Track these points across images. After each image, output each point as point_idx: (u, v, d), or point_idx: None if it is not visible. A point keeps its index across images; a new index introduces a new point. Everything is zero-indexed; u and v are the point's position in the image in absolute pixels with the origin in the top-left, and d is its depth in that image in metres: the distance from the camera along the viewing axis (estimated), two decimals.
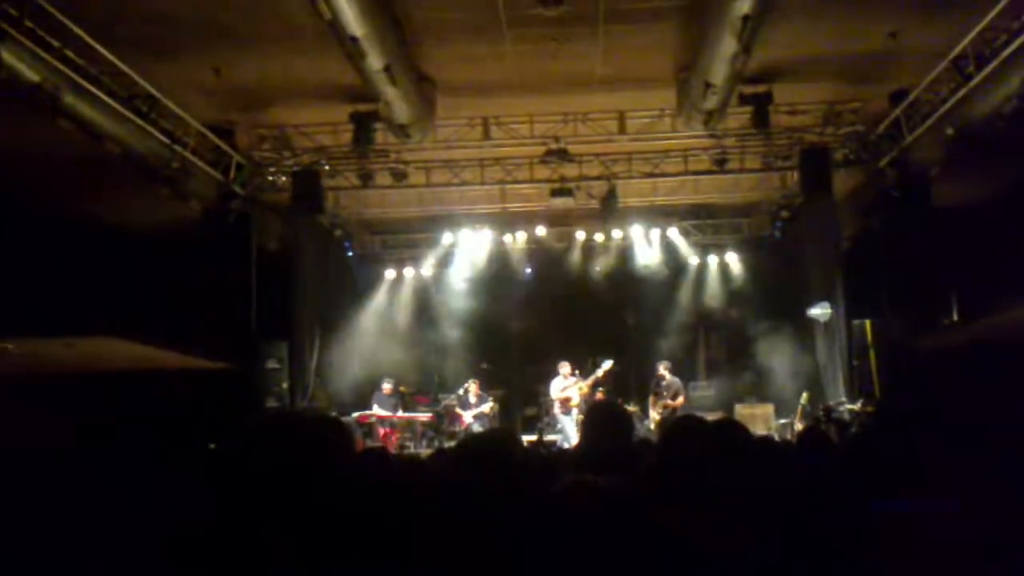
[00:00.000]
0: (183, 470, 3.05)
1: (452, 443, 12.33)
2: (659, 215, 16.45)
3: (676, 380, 14.12)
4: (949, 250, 12.04)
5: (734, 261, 17.28)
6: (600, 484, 1.95)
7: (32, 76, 8.19)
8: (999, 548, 2.35)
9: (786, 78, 11.55)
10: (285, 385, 13.70)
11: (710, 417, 4.20)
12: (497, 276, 17.26)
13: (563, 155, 13.06)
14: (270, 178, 13.44)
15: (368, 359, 16.04)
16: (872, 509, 2.57)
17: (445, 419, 14.98)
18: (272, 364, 13.63)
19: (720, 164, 13.65)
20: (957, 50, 9.88)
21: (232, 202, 12.77)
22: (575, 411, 13.56)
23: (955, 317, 12.56)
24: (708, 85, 10.38)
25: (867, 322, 13.23)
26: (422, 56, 10.83)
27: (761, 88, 11.57)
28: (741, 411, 14.72)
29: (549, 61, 10.96)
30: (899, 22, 10.00)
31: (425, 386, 16.00)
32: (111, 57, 9.50)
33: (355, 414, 14.06)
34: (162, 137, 10.80)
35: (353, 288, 17.14)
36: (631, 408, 13.82)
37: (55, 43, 8.63)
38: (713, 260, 17.44)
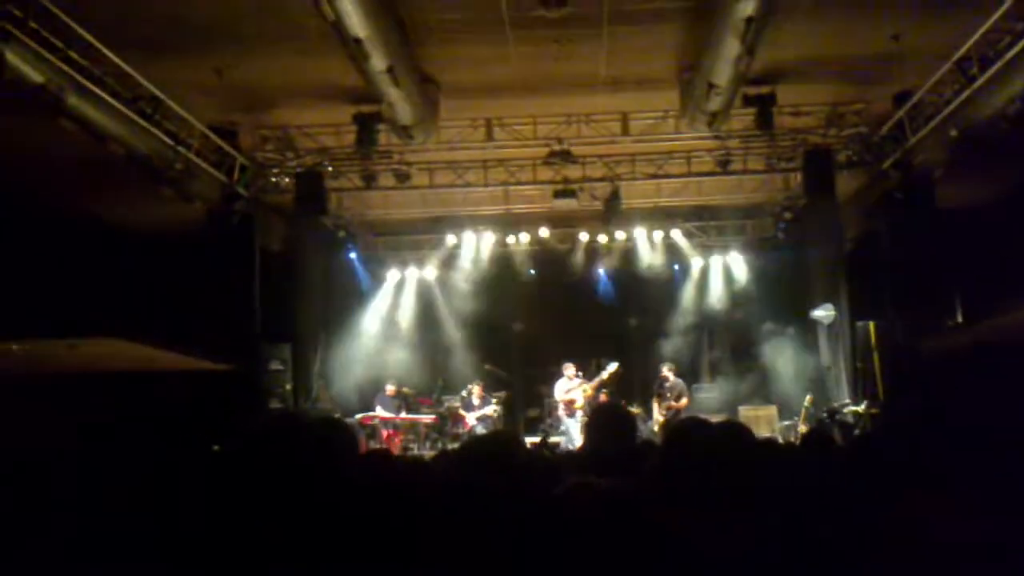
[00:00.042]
0: (186, 471, 3.05)
1: (455, 445, 12.33)
2: (662, 216, 16.44)
3: (680, 381, 14.12)
4: (953, 252, 12.03)
5: (737, 263, 17.24)
6: (602, 485, 1.95)
7: (36, 77, 8.20)
8: (1004, 550, 2.34)
9: (790, 79, 11.54)
10: (288, 387, 13.70)
11: (714, 419, 4.20)
12: (500, 278, 17.25)
13: (566, 156, 13.06)
14: (273, 179, 13.45)
15: (371, 361, 16.05)
16: (876, 511, 2.57)
17: (448, 421, 14.99)
18: (275, 366, 13.63)
19: (723, 165, 13.63)
20: (961, 52, 9.86)
21: (235, 203, 12.77)
22: (579, 413, 13.56)
23: (959, 319, 12.56)
24: (712, 86, 10.37)
25: (871, 324, 13.20)
26: (425, 57, 10.83)
27: (765, 89, 11.57)
28: (745, 413, 14.71)
29: (552, 62, 10.95)
30: (902, 24, 9.99)
31: (428, 388, 15.99)
32: (115, 58, 9.50)
33: (358, 416, 14.07)
34: (166, 138, 10.80)
35: (356, 289, 17.12)
36: (634, 409, 13.81)
37: (59, 44, 8.64)
38: (716, 262, 17.42)
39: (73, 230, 12.28)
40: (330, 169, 13.41)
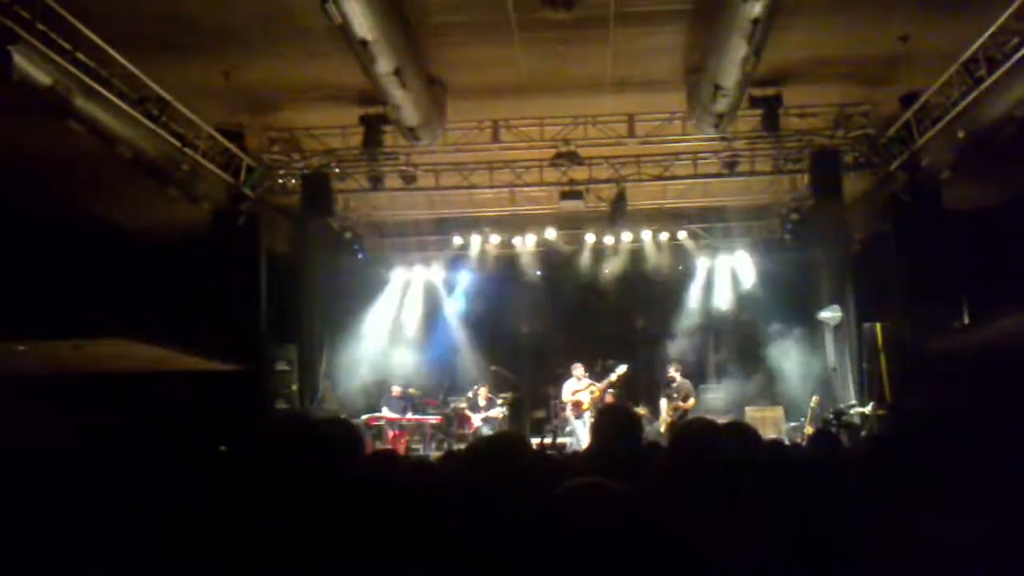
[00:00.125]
0: (191, 471, 3.06)
1: (461, 446, 12.34)
2: (669, 218, 16.45)
3: (687, 382, 14.09)
4: (960, 253, 12.00)
5: (744, 264, 17.22)
6: (607, 486, 1.95)
7: (44, 79, 8.22)
8: (1008, 552, 2.34)
9: (796, 81, 11.52)
10: (294, 387, 13.73)
11: (720, 420, 4.19)
12: (506, 279, 17.25)
13: (573, 158, 13.05)
14: (280, 180, 13.47)
15: (377, 362, 16.09)
16: (879, 511, 2.56)
17: (454, 422, 15.00)
18: (281, 366, 13.65)
19: (730, 167, 13.61)
20: (968, 53, 9.83)
21: (242, 204, 12.78)
22: (587, 414, 13.55)
23: (966, 320, 12.52)
24: (718, 88, 10.35)
25: (877, 325, 13.19)
26: (432, 59, 10.82)
27: (771, 91, 11.56)
28: (751, 414, 14.70)
29: (559, 64, 10.95)
30: (910, 25, 9.96)
31: (434, 389, 16.00)
32: (122, 60, 9.53)
33: (364, 416, 14.10)
34: (172, 140, 10.82)
35: (362, 290, 17.14)
36: (640, 410, 13.81)
37: (67, 46, 8.67)
38: (723, 263, 17.39)
39: (78, 231, 12.32)
40: (336, 170, 13.41)
